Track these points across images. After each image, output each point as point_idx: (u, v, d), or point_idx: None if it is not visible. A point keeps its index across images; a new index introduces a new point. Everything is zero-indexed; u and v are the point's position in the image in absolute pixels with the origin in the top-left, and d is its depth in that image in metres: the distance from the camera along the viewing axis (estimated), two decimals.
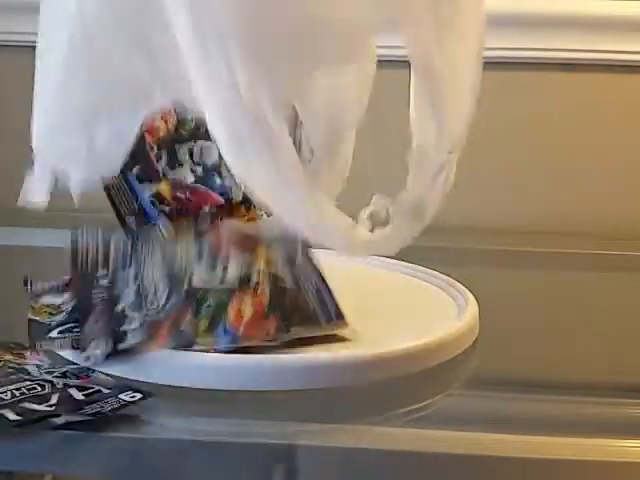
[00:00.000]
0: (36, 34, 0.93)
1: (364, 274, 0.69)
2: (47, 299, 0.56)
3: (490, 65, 0.92)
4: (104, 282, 0.53)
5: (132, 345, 0.47)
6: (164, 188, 0.56)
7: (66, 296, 0.56)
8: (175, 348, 0.48)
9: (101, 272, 0.54)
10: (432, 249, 0.79)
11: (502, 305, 0.61)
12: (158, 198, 0.56)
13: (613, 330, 0.64)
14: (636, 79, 0.89)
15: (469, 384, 0.54)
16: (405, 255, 0.71)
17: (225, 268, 0.51)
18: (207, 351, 0.48)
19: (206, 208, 0.56)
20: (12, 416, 0.40)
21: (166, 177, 0.57)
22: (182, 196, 0.56)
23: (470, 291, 0.60)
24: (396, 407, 0.47)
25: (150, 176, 0.57)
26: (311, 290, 0.52)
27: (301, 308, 0.51)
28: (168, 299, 0.50)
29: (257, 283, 0.51)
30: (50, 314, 0.53)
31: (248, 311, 0.49)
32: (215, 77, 0.41)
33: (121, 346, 0.48)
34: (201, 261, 0.52)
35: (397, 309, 0.60)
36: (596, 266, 0.82)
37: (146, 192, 0.56)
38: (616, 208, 0.92)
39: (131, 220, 0.56)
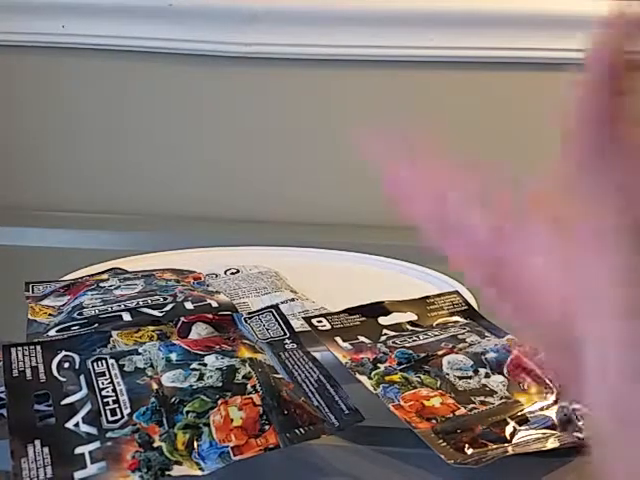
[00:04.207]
0: (37, 34, 0.93)
1: (364, 275, 0.69)
2: (47, 301, 0.56)
3: (490, 65, 0.92)
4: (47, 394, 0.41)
5: (95, 475, 0.36)
6: None
7: (66, 298, 0.56)
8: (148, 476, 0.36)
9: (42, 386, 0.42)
10: (432, 249, 0.79)
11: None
12: None
13: None
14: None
15: None
16: (405, 255, 0.71)
17: (203, 364, 0.43)
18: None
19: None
20: None
21: None
22: None
23: (470, 291, 0.60)
24: None
25: None
26: (312, 384, 0.43)
27: (303, 404, 0.41)
28: (134, 407, 0.39)
29: (244, 377, 0.42)
30: (50, 315, 0.53)
31: (238, 415, 0.39)
32: None
33: (78, 475, 0.36)
34: (171, 359, 0.43)
35: None
36: None
37: None
38: None
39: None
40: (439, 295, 0.56)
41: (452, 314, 0.54)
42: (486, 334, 0.51)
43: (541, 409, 0.43)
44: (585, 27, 0.92)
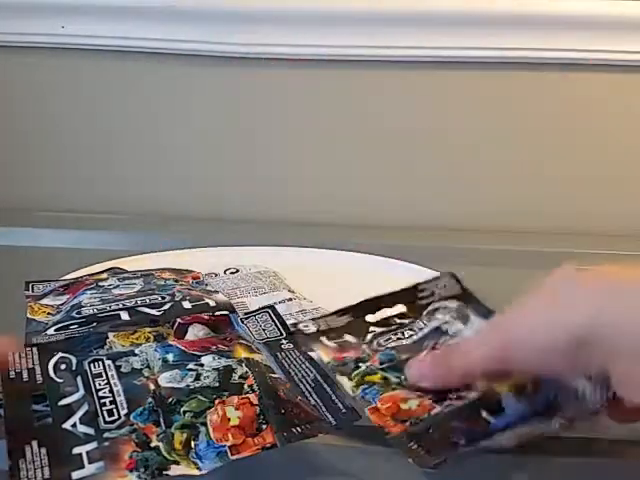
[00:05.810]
0: (37, 34, 0.93)
1: (363, 275, 0.69)
2: (47, 300, 0.56)
3: (490, 65, 0.92)
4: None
5: (93, 475, 0.36)
6: None
7: (65, 297, 0.56)
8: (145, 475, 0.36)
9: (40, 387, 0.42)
10: (432, 249, 0.79)
11: (502, 305, 0.60)
12: None
13: None
14: (636, 79, 0.89)
15: None
16: (405, 255, 0.71)
17: (200, 364, 0.43)
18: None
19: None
20: None
21: None
22: None
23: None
24: None
25: None
26: (309, 383, 0.44)
27: (300, 403, 0.41)
28: (131, 407, 0.39)
29: (241, 377, 0.42)
30: (49, 314, 0.53)
31: (235, 415, 0.39)
32: None
33: (76, 475, 0.36)
34: (168, 360, 0.44)
35: None
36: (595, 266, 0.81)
37: None
38: (615, 208, 0.92)
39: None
40: (433, 279, 0.55)
41: (445, 299, 0.53)
42: (471, 317, 0.50)
43: (518, 399, 0.42)
44: (584, 27, 0.92)
